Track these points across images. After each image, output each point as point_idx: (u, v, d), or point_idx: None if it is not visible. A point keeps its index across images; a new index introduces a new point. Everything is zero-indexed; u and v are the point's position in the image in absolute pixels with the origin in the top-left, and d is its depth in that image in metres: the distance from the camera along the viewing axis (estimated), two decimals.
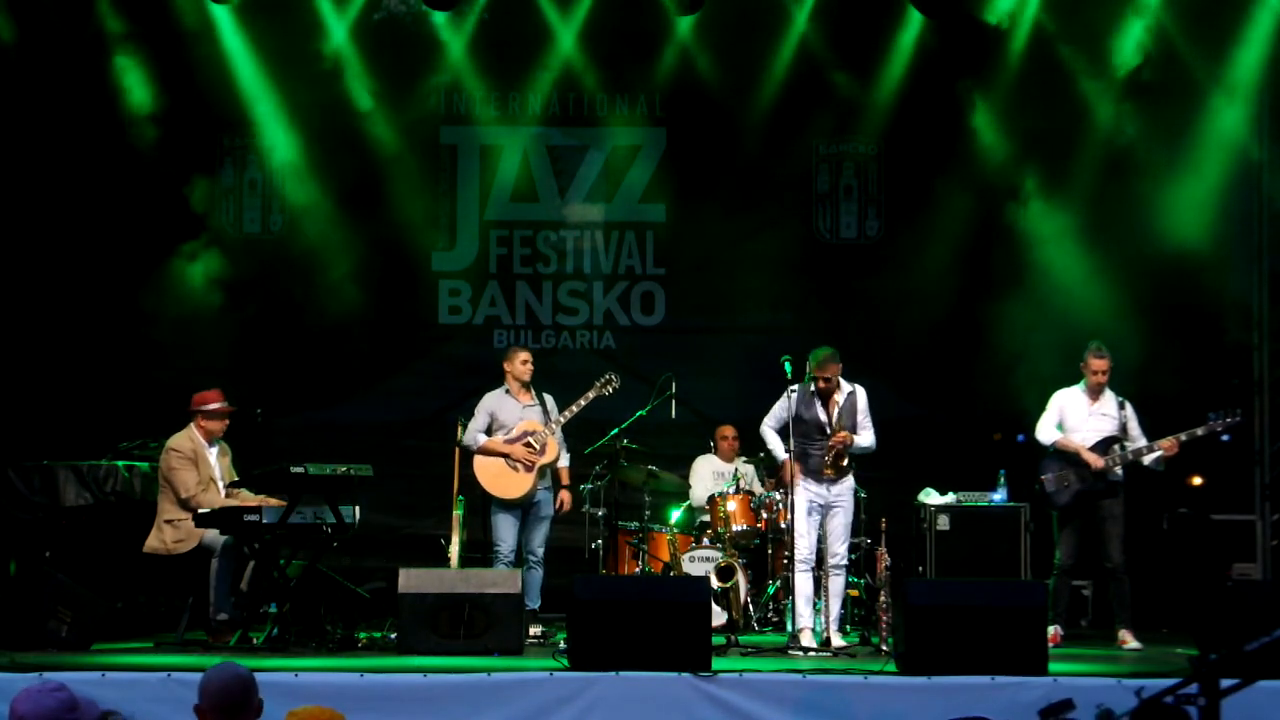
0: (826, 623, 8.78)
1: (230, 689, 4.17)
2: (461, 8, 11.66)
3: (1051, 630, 8.62)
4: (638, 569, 9.83)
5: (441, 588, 8.34)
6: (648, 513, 10.03)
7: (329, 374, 11.85)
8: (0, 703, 4.11)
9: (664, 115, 12.21)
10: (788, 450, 8.80)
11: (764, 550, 10.17)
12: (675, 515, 10.39)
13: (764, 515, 10.02)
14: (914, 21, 11.57)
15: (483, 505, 9.62)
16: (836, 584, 8.86)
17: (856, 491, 8.98)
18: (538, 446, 9.47)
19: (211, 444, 9.18)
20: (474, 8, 11.76)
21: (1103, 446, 9.29)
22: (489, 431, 9.56)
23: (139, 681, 7.13)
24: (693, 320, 12.18)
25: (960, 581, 8.84)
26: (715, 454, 10.88)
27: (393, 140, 11.90)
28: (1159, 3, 11.14)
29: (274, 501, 8.83)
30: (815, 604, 8.83)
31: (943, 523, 10.36)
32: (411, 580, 8.37)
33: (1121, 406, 9.38)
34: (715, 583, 9.44)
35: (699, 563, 9.91)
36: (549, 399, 9.71)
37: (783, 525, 9.40)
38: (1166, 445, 9.18)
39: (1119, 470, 9.28)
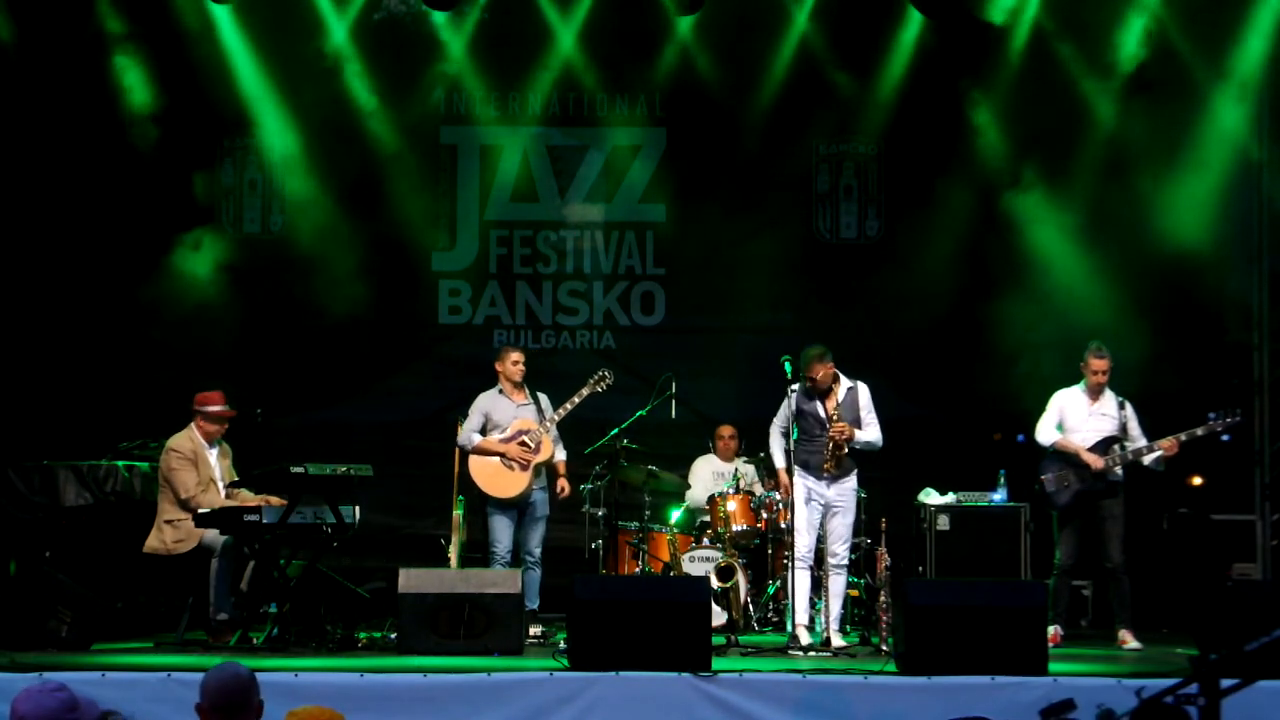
0: (826, 623, 8.78)
1: (230, 689, 4.17)
2: (461, 8, 11.66)
3: (1051, 630, 8.62)
4: (638, 569, 9.83)
5: (441, 588, 8.34)
6: (648, 513, 10.02)
7: (329, 374, 11.84)
8: (0, 703, 4.11)
9: (664, 115, 12.21)
10: (787, 451, 8.81)
11: (764, 550, 10.17)
12: (675, 515, 10.39)
13: (764, 515, 10.02)
14: (914, 21, 11.57)
15: (479, 506, 9.62)
16: (837, 584, 8.86)
17: (857, 492, 8.99)
18: (533, 445, 9.48)
19: (212, 445, 9.19)
20: (474, 8, 11.76)
21: (1103, 446, 9.29)
22: (484, 431, 9.57)
23: (139, 681, 7.12)
24: (693, 320, 12.18)
25: (960, 581, 8.84)
26: (715, 454, 10.89)
27: (393, 140, 11.90)
28: (1159, 1, 11.14)
29: (274, 501, 8.83)
30: (815, 604, 8.83)
31: (943, 523, 10.36)
32: (411, 580, 8.37)
33: (1121, 406, 9.38)
34: (715, 583, 9.44)
35: (699, 563, 9.91)
36: (543, 398, 9.73)
37: (783, 525, 9.40)
38: (1166, 445, 9.18)
39: (1119, 470, 9.28)
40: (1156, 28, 11.15)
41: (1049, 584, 9.01)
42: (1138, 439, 9.32)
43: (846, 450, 8.81)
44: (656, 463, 10.22)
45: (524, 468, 9.46)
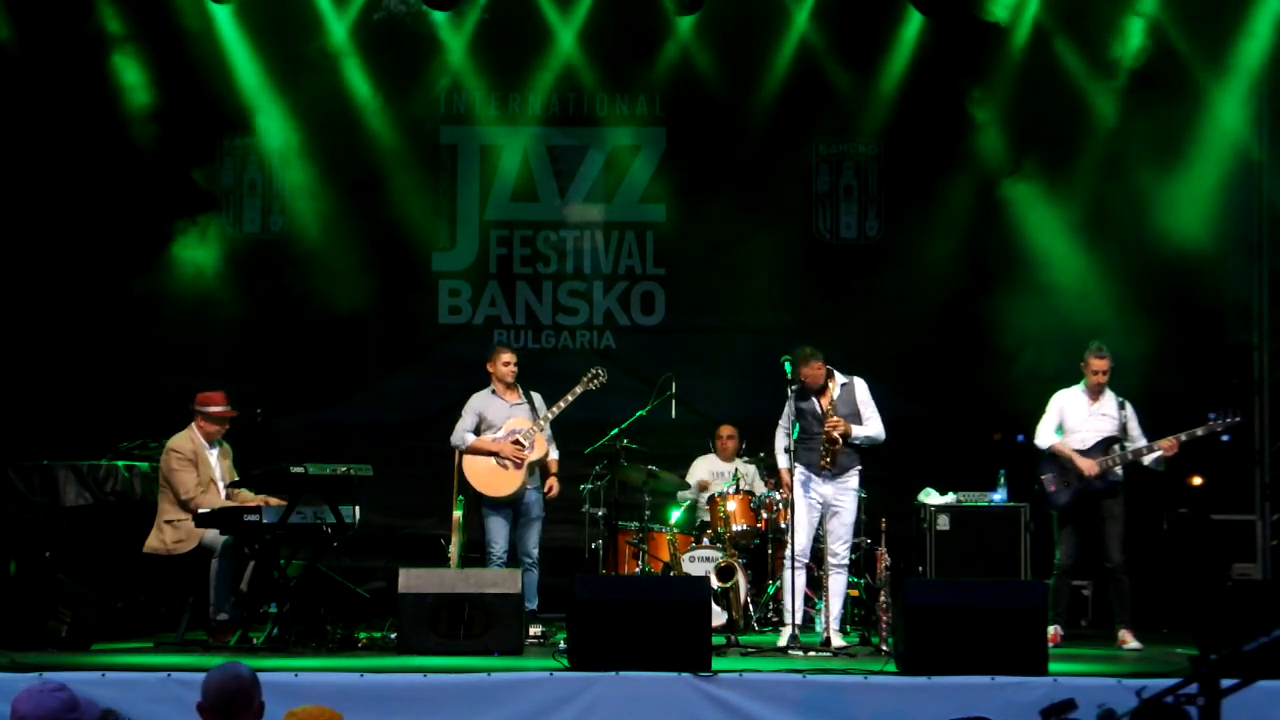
0: (826, 622, 8.79)
1: (231, 689, 4.17)
2: (461, 7, 11.65)
3: (1051, 630, 8.62)
4: (638, 569, 9.83)
5: (441, 588, 8.34)
6: (648, 513, 10.02)
7: (329, 374, 11.85)
8: (0, 703, 4.11)
9: (664, 115, 12.21)
10: (787, 450, 8.82)
11: (764, 550, 10.17)
12: (675, 515, 10.39)
13: (764, 515, 10.03)
14: (914, 21, 11.57)
15: (477, 505, 9.62)
16: (837, 584, 8.87)
17: (858, 492, 8.99)
18: (526, 444, 9.48)
19: (212, 445, 9.18)
20: (474, 8, 11.76)
21: (1103, 447, 9.29)
22: (478, 431, 9.57)
23: (139, 681, 7.12)
24: (693, 320, 12.17)
25: (960, 581, 8.84)
26: (715, 454, 10.89)
27: (393, 140, 11.90)
28: (1159, 1, 11.14)
29: (274, 501, 8.83)
30: (816, 604, 8.83)
31: (943, 523, 10.36)
32: (411, 580, 8.36)
33: (1122, 407, 9.38)
34: (715, 583, 9.44)
35: (699, 563, 9.92)
36: (536, 397, 9.73)
37: (783, 525, 9.40)
38: (1166, 445, 9.18)
39: (1119, 470, 9.28)
40: (1157, 26, 11.15)
41: (1049, 584, 9.01)
42: (1138, 439, 9.32)
43: (842, 444, 8.81)
44: (656, 463, 10.22)
45: (518, 466, 9.46)
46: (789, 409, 8.92)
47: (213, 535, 8.79)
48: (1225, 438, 9.46)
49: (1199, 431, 9.18)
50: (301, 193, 11.90)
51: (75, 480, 9.88)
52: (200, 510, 8.78)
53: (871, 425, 8.92)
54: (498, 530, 9.47)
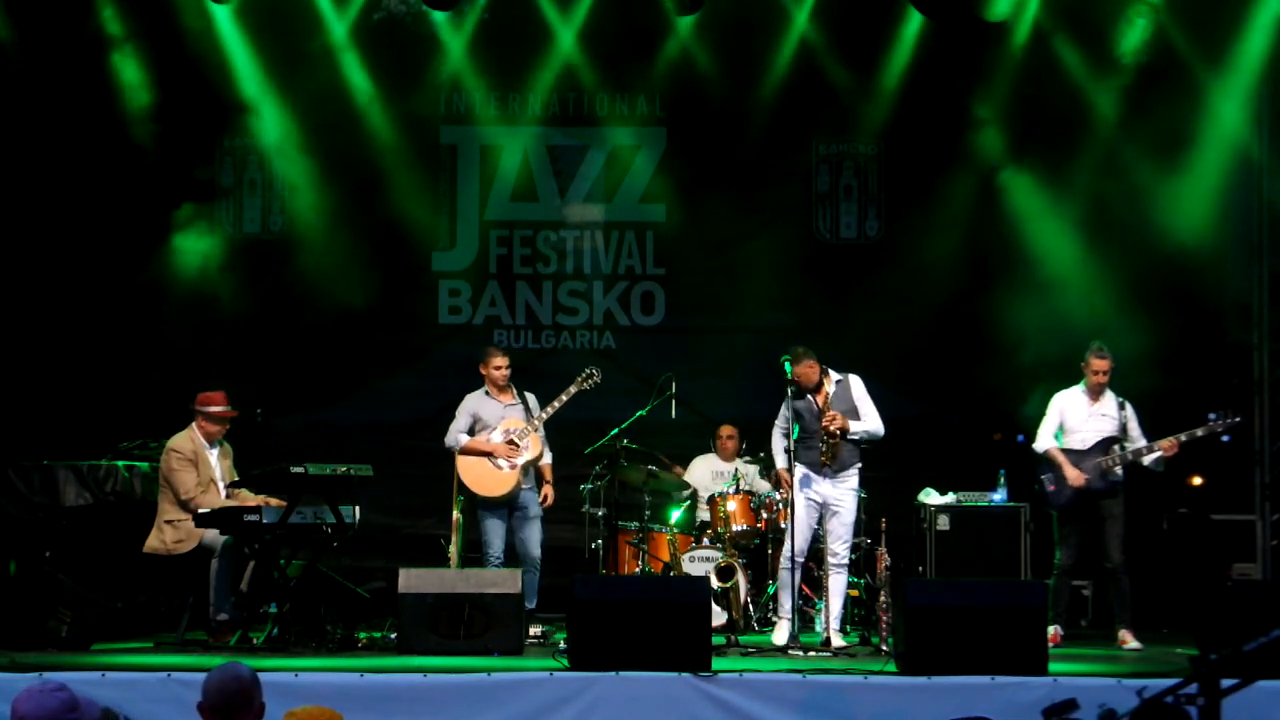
0: (827, 622, 8.79)
1: (231, 689, 4.17)
2: (461, 7, 11.65)
3: (1051, 630, 8.62)
4: (638, 569, 9.83)
5: (441, 588, 8.34)
6: (648, 513, 10.01)
7: (329, 373, 11.84)
8: (0, 703, 4.11)
9: (664, 115, 12.21)
10: (787, 450, 8.82)
11: (764, 550, 10.16)
12: (675, 515, 10.39)
13: (764, 515, 10.03)
14: (914, 21, 11.56)
15: (471, 507, 9.61)
16: (837, 583, 8.87)
17: (858, 492, 8.98)
18: (520, 444, 9.48)
19: (212, 445, 9.18)
20: (474, 8, 11.75)
21: (1103, 447, 9.29)
22: (472, 432, 9.57)
23: (139, 681, 7.12)
24: (693, 320, 12.17)
25: (960, 581, 8.84)
26: (715, 454, 10.89)
27: (393, 139, 11.90)
28: (1160, 1, 11.14)
29: (274, 502, 8.83)
30: (815, 604, 8.83)
31: (943, 523, 10.36)
32: (411, 580, 8.37)
33: (1122, 407, 9.38)
34: (715, 583, 9.44)
35: (699, 563, 9.91)
36: (530, 397, 9.73)
37: (783, 525, 9.40)
38: (1166, 446, 9.18)
39: (1119, 470, 9.28)
40: (1157, 25, 11.15)
41: (1049, 584, 9.01)
42: (1138, 439, 9.32)
43: (840, 438, 8.81)
44: (656, 463, 10.21)
45: (512, 466, 9.46)
46: (785, 409, 8.92)
47: (213, 535, 8.79)
48: (1225, 438, 9.44)
49: (1199, 432, 9.18)
50: (302, 192, 11.89)
51: (75, 480, 9.88)
52: (200, 510, 8.78)
53: (869, 421, 8.93)
54: (494, 531, 9.47)
